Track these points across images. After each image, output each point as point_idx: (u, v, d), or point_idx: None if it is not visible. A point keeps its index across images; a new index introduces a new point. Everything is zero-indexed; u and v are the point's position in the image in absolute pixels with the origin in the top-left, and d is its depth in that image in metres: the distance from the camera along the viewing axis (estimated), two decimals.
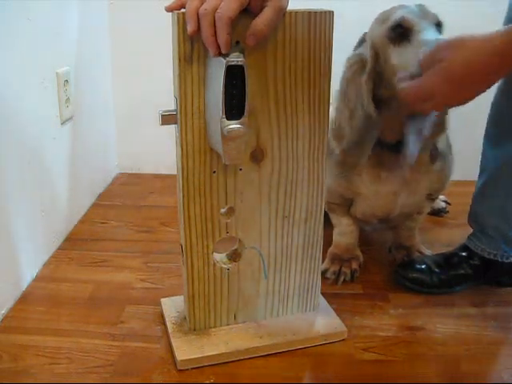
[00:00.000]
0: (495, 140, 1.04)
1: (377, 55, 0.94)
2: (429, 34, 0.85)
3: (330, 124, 1.00)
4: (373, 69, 0.94)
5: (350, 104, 0.96)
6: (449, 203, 1.48)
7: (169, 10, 0.74)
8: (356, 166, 1.03)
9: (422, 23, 0.88)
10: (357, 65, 0.96)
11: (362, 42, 1.00)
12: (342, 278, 1.12)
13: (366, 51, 0.96)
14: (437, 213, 1.45)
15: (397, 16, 0.90)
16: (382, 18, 0.95)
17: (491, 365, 0.90)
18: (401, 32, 0.89)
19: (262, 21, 0.72)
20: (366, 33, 1.00)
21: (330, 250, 1.17)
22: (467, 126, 1.45)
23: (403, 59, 0.88)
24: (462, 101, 0.76)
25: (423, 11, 0.91)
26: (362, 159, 1.00)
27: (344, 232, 1.16)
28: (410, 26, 0.88)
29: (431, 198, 1.15)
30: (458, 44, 0.74)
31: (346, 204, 1.13)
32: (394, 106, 0.94)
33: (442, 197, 1.46)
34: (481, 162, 1.08)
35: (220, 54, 0.72)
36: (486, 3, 1.45)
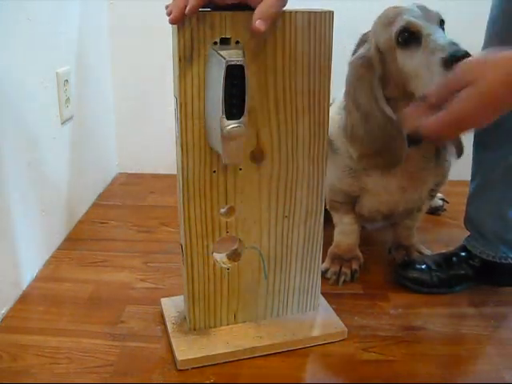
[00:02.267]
0: (487, 144, 1.04)
1: (383, 58, 0.95)
2: (440, 37, 0.86)
3: (333, 124, 1.01)
4: (382, 72, 0.95)
5: (361, 108, 0.96)
6: (447, 201, 1.48)
7: (174, 21, 0.72)
8: (391, 167, 0.99)
9: (428, 26, 0.88)
10: (364, 68, 0.96)
11: (361, 43, 1.00)
12: (342, 279, 1.12)
13: (370, 54, 0.96)
14: (434, 211, 1.45)
15: (402, 21, 0.90)
16: (386, 20, 0.95)
17: (491, 365, 0.90)
18: (408, 36, 0.90)
19: (265, 5, 0.71)
20: (365, 34, 1.00)
21: (331, 249, 1.17)
22: None
23: (416, 63, 0.89)
24: (491, 121, 0.68)
25: (426, 12, 0.91)
26: (398, 160, 0.97)
27: (345, 231, 1.16)
28: (418, 30, 0.89)
29: (432, 194, 1.15)
30: (489, 62, 0.67)
31: (349, 202, 1.13)
32: (400, 106, 0.94)
33: (439, 195, 1.46)
34: (472, 166, 1.08)
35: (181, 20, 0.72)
36: (466, 2, 1.46)
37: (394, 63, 0.93)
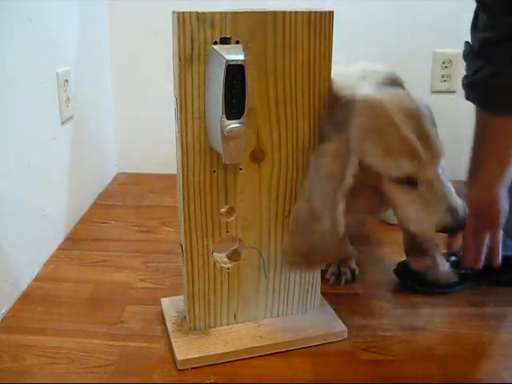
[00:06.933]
0: None
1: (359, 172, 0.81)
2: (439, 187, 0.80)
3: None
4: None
5: (315, 209, 0.82)
6: None
7: None
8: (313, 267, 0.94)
9: (428, 172, 0.79)
10: (331, 167, 0.81)
11: (338, 108, 0.84)
12: (343, 278, 1.12)
13: (343, 154, 0.80)
14: None
15: (401, 171, 0.79)
16: (376, 135, 0.79)
17: (491, 365, 0.90)
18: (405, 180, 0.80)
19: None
20: (344, 104, 0.82)
21: None
22: (468, 125, 1.44)
23: (410, 202, 0.82)
24: None
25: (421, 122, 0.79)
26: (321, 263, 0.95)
27: None
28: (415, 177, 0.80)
29: None
30: None
31: None
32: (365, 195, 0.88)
33: None
34: None
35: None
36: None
37: (373, 179, 0.82)
